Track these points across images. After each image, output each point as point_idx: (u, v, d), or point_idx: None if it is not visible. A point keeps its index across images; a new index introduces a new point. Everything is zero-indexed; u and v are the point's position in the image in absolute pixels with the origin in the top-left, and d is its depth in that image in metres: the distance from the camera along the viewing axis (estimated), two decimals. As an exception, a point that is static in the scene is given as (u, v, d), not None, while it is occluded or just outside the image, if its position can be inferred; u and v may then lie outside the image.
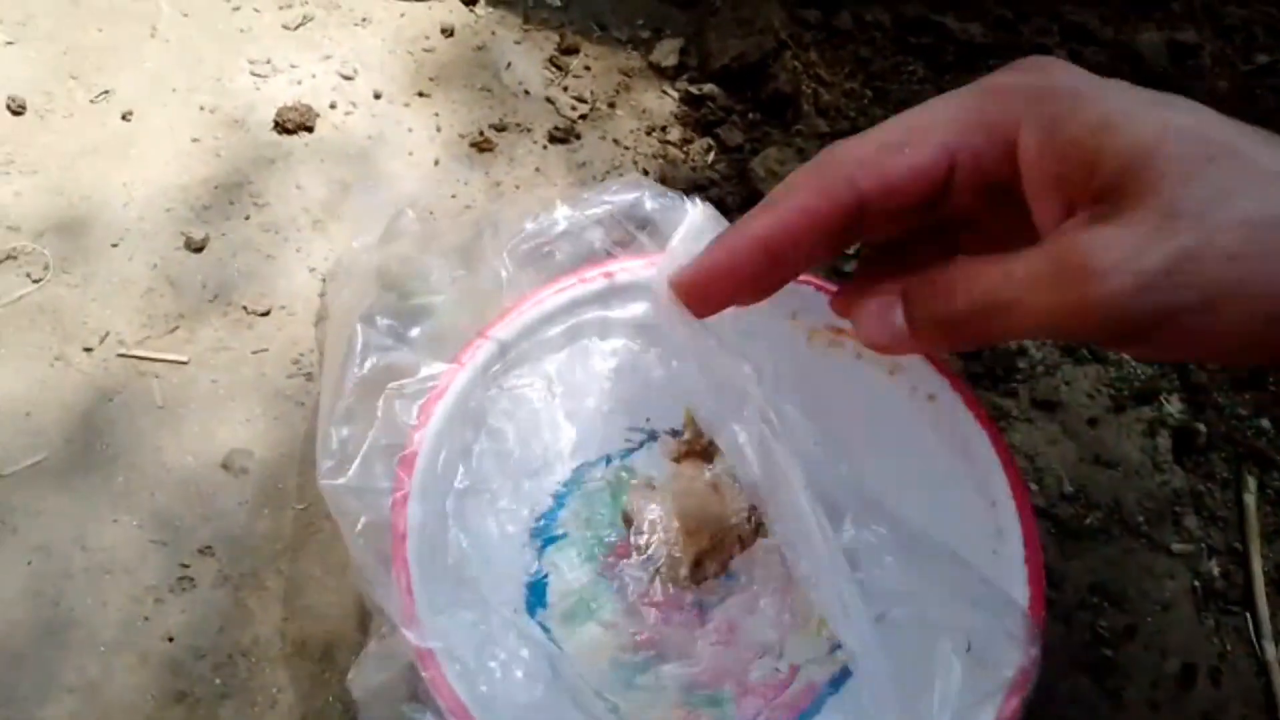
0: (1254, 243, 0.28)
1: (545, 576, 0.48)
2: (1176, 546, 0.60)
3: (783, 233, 0.33)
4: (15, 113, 0.68)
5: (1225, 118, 0.31)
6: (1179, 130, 0.29)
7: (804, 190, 0.32)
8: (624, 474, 0.51)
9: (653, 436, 0.52)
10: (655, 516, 0.48)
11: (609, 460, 0.51)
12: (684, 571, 0.47)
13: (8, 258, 0.63)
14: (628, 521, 0.49)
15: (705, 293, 0.35)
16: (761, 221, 0.33)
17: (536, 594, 0.48)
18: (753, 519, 0.48)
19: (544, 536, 0.49)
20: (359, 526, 0.44)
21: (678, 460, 0.51)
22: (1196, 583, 0.59)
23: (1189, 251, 0.28)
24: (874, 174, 0.32)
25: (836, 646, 0.47)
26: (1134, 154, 0.30)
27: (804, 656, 0.47)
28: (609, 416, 0.51)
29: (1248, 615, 0.59)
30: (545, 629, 0.47)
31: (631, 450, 0.52)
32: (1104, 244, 0.29)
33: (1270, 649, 0.57)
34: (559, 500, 0.50)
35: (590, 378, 0.52)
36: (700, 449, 0.51)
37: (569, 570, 0.48)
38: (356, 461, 0.46)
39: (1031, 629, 0.42)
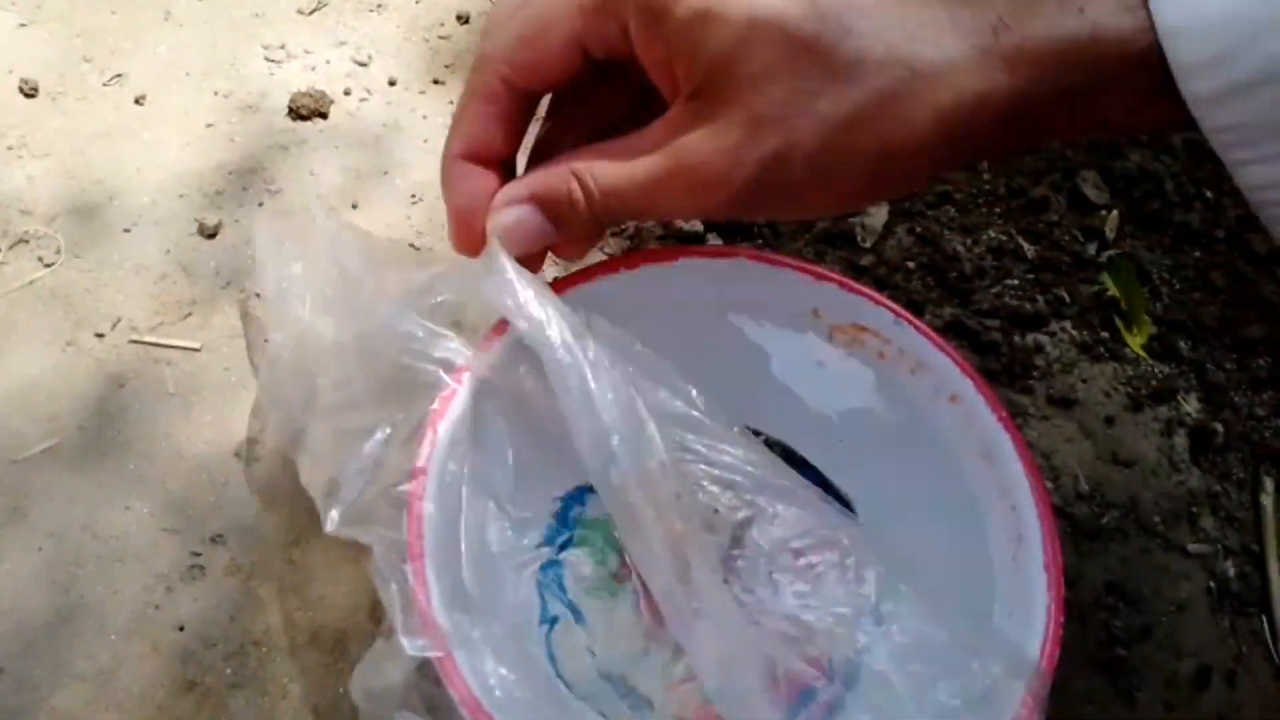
0: (829, 141, 0.31)
1: (555, 586, 0.47)
2: (1193, 547, 0.60)
3: (475, 142, 0.37)
4: (28, 95, 0.68)
5: None
6: (765, 26, 0.31)
7: (471, 99, 0.36)
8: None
9: None
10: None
11: None
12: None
13: (20, 241, 0.62)
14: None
15: (470, 224, 0.37)
16: (455, 143, 0.37)
17: (544, 608, 0.47)
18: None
19: (555, 544, 0.49)
20: (382, 549, 0.43)
21: None
22: (1212, 584, 0.59)
23: (777, 155, 0.32)
24: (519, 70, 0.35)
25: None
26: (724, 54, 0.32)
27: (829, 643, 0.46)
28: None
29: (1263, 617, 0.58)
30: (549, 641, 0.46)
31: None
32: (708, 152, 0.32)
33: (1286, 651, 0.57)
34: (567, 505, 0.50)
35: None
36: None
37: (578, 580, 0.48)
38: (364, 503, 0.45)
39: (1042, 685, 0.42)
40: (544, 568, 0.48)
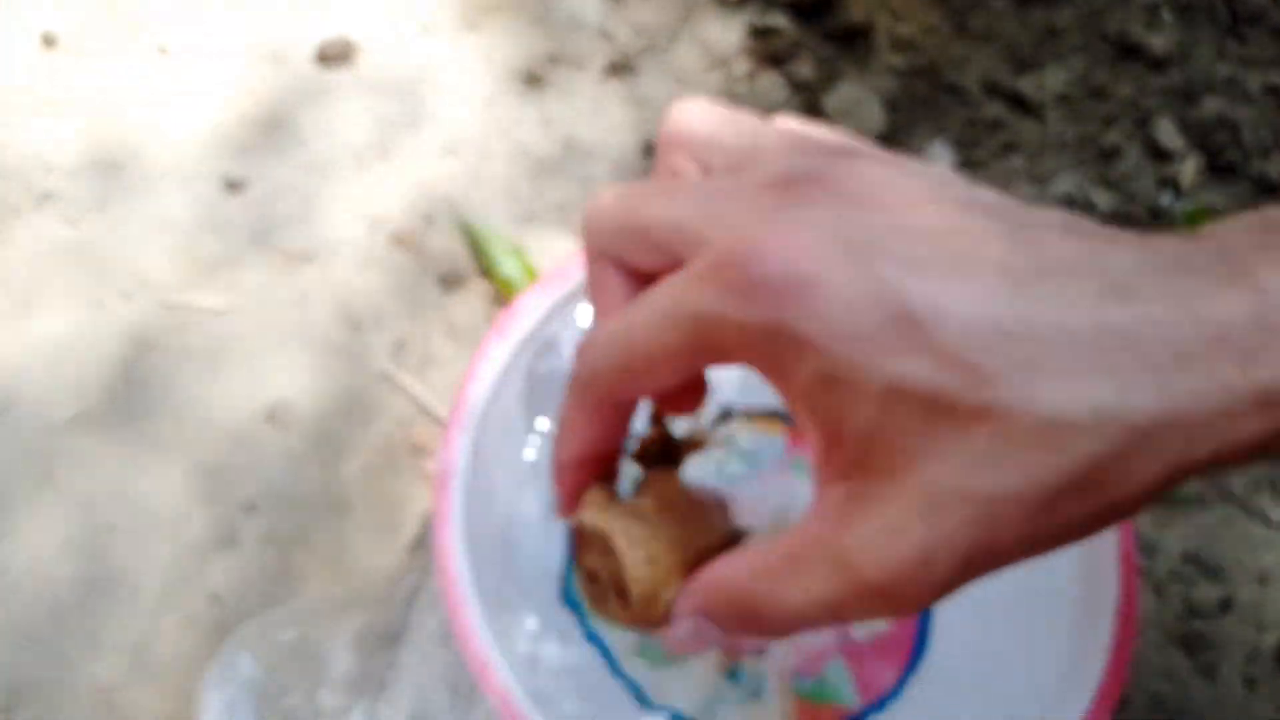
0: (989, 521, 0.25)
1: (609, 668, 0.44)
2: (1275, 514, 0.57)
3: (584, 451, 0.33)
4: (49, 45, 0.65)
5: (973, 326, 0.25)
6: (908, 395, 0.25)
7: (577, 412, 0.32)
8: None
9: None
10: (618, 541, 0.34)
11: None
12: (653, 611, 0.33)
13: (43, 199, 0.60)
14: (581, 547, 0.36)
15: (569, 510, 0.34)
16: (565, 451, 0.33)
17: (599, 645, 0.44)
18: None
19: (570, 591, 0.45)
20: None
21: (644, 461, 0.39)
22: (1296, 553, 0.56)
23: (973, 548, 0.25)
24: (622, 394, 0.31)
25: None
26: (868, 429, 0.26)
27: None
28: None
29: (1353, 589, 0.55)
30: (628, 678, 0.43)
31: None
32: (885, 557, 0.26)
33: (1377, 626, 0.54)
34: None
35: None
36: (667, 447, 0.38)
37: (624, 652, 0.44)
38: None
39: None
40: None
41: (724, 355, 0.27)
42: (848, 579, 0.27)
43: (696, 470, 0.40)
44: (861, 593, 0.27)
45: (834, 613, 0.28)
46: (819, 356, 0.25)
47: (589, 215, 0.30)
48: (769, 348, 0.26)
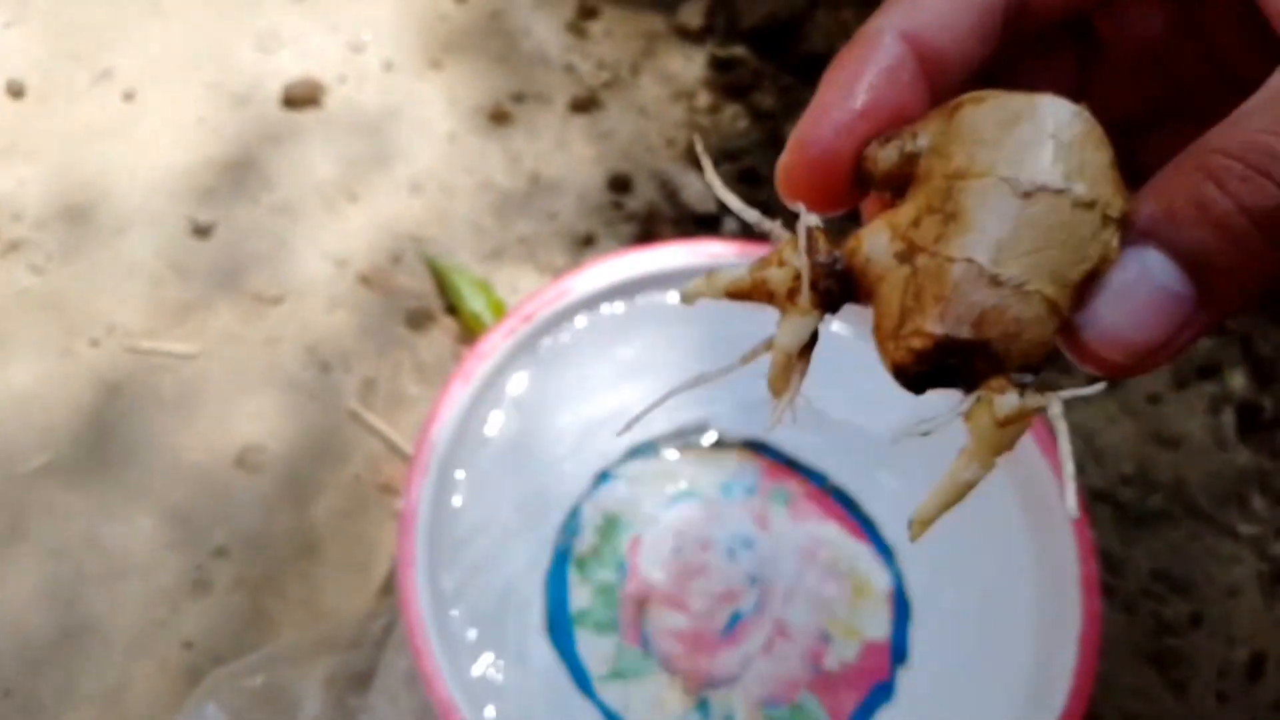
0: None
1: (577, 657, 0.45)
2: (1243, 529, 0.57)
3: (879, 105, 0.19)
4: (15, 95, 0.65)
5: None
6: None
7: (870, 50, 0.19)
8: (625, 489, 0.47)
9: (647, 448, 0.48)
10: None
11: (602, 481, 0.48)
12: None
13: (11, 248, 0.60)
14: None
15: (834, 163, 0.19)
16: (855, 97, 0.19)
17: (577, 675, 0.45)
18: None
19: (558, 617, 0.46)
20: None
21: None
22: (1264, 567, 0.56)
23: None
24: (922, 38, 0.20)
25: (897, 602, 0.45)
26: None
27: (871, 626, 0.44)
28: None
29: (1321, 601, 0.55)
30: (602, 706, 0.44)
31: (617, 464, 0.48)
32: None
33: (1346, 637, 0.54)
34: (557, 568, 0.46)
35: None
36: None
37: (594, 652, 0.45)
38: None
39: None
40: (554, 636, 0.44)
41: None
42: None
43: None
44: None
45: None
46: None
47: None
48: None
